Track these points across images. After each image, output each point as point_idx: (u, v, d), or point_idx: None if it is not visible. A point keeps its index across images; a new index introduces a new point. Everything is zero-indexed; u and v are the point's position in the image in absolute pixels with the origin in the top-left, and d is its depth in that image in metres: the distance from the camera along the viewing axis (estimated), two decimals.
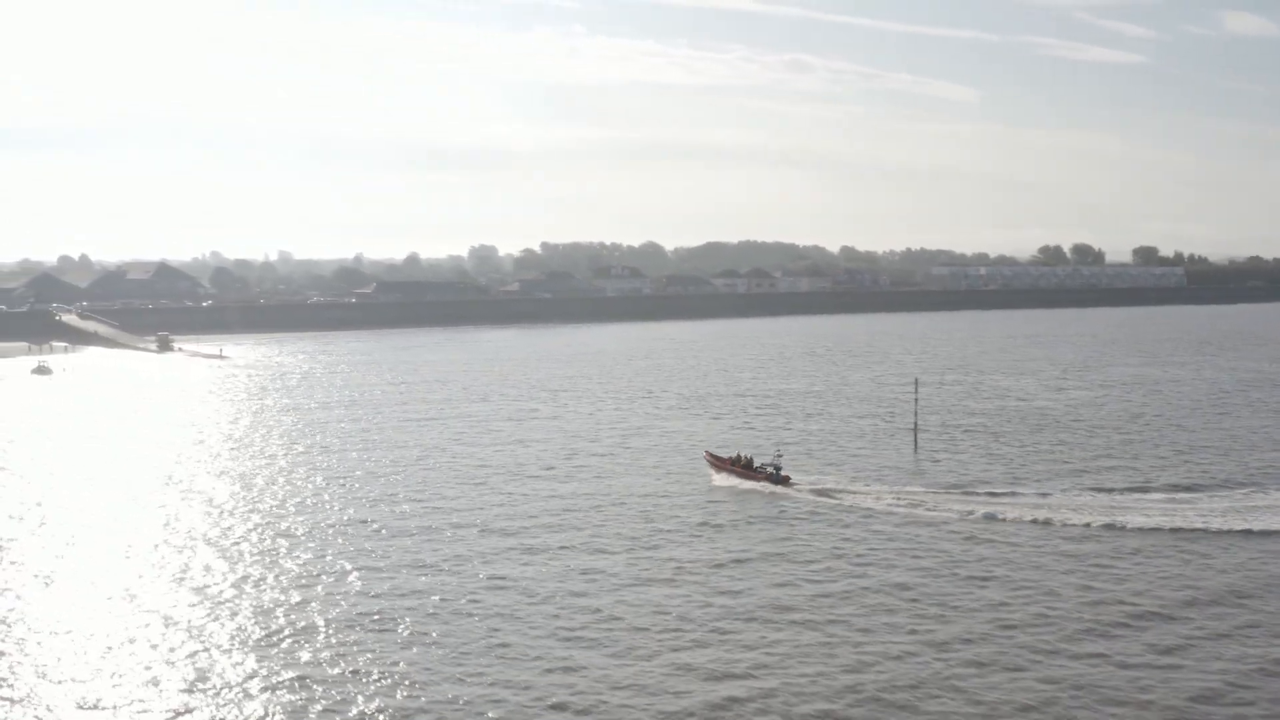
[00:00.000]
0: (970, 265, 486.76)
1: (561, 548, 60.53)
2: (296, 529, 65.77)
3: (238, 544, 62.14)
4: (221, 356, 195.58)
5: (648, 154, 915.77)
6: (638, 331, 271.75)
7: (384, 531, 64.88)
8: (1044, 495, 72.86)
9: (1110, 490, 74.85)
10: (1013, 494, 73.33)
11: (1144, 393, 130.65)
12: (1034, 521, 65.39)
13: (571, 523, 66.27)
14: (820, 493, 73.21)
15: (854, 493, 73.79)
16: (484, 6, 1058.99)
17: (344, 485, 79.08)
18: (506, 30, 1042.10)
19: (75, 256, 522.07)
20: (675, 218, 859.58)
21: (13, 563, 58.30)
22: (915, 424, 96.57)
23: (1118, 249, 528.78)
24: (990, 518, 66.30)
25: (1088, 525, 64.57)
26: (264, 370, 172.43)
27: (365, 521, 67.43)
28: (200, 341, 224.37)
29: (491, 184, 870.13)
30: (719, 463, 79.18)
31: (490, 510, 69.67)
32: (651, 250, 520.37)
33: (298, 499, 74.40)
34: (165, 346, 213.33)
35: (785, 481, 74.41)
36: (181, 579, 55.12)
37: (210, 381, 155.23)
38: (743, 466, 76.95)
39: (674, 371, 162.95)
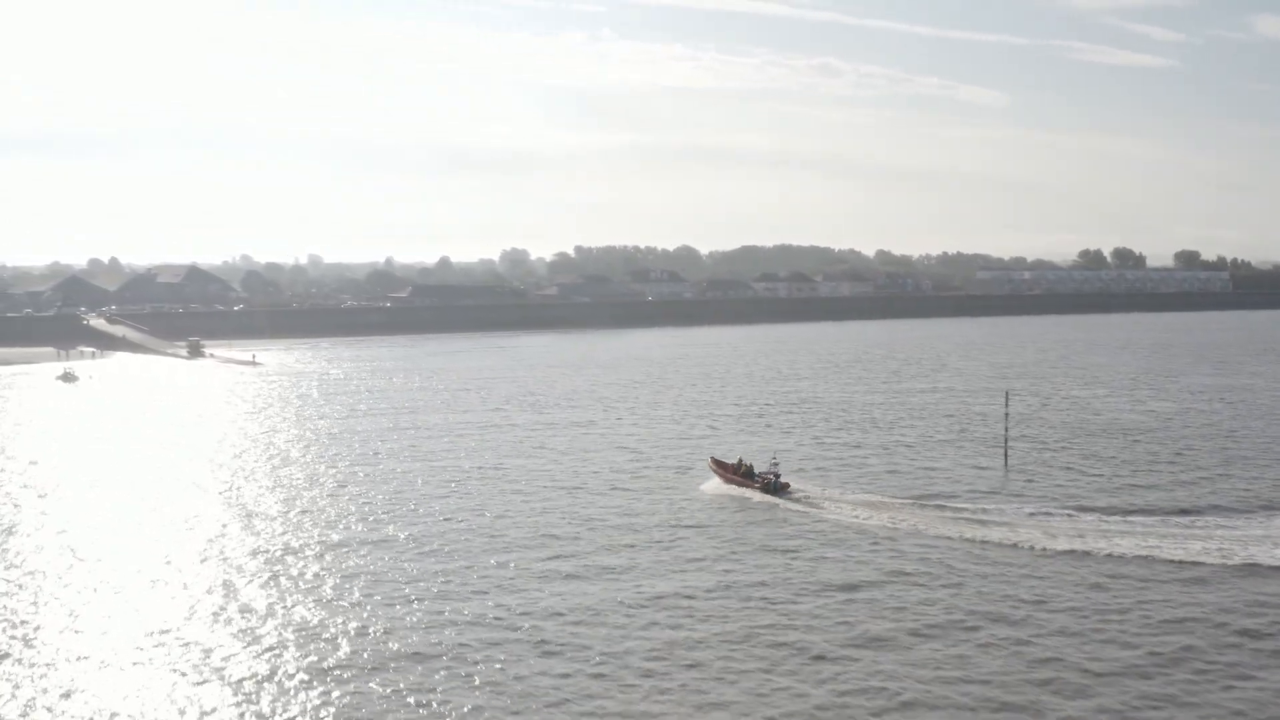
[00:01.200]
0: (1013, 270, 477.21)
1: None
2: (340, 545, 61.08)
3: (277, 562, 57.80)
4: (254, 362, 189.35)
5: (677, 158, 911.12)
6: (679, 336, 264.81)
7: (441, 550, 60.42)
8: (1154, 520, 66.03)
9: (1229, 511, 67.90)
10: (1125, 520, 66.18)
11: (1228, 404, 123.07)
12: (1141, 558, 58.14)
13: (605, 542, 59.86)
14: (811, 503, 71.05)
15: (873, 506, 69.89)
16: (513, 11, 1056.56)
17: (392, 501, 73.19)
18: (535, 34, 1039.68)
19: (105, 259, 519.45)
20: (706, 221, 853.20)
21: (39, 605, 52.01)
22: (1005, 438, 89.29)
23: (1156, 253, 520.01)
24: (1084, 549, 59.39)
25: (1224, 563, 56.99)
26: (299, 377, 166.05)
27: (420, 539, 62.80)
28: (231, 346, 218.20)
29: (521, 188, 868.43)
30: (722, 469, 77.98)
31: (525, 527, 63.52)
32: (686, 254, 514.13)
33: (340, 515, 68.70)
34: (196, 352, 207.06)
35: (785, 489, 72.77)
36: (218, 605, 51.53)
37: (243, 389, 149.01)
38: (743, 474, 75.48)
39: (727, 379, 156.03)
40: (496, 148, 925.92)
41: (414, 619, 49.33)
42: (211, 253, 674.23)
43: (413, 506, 72.18)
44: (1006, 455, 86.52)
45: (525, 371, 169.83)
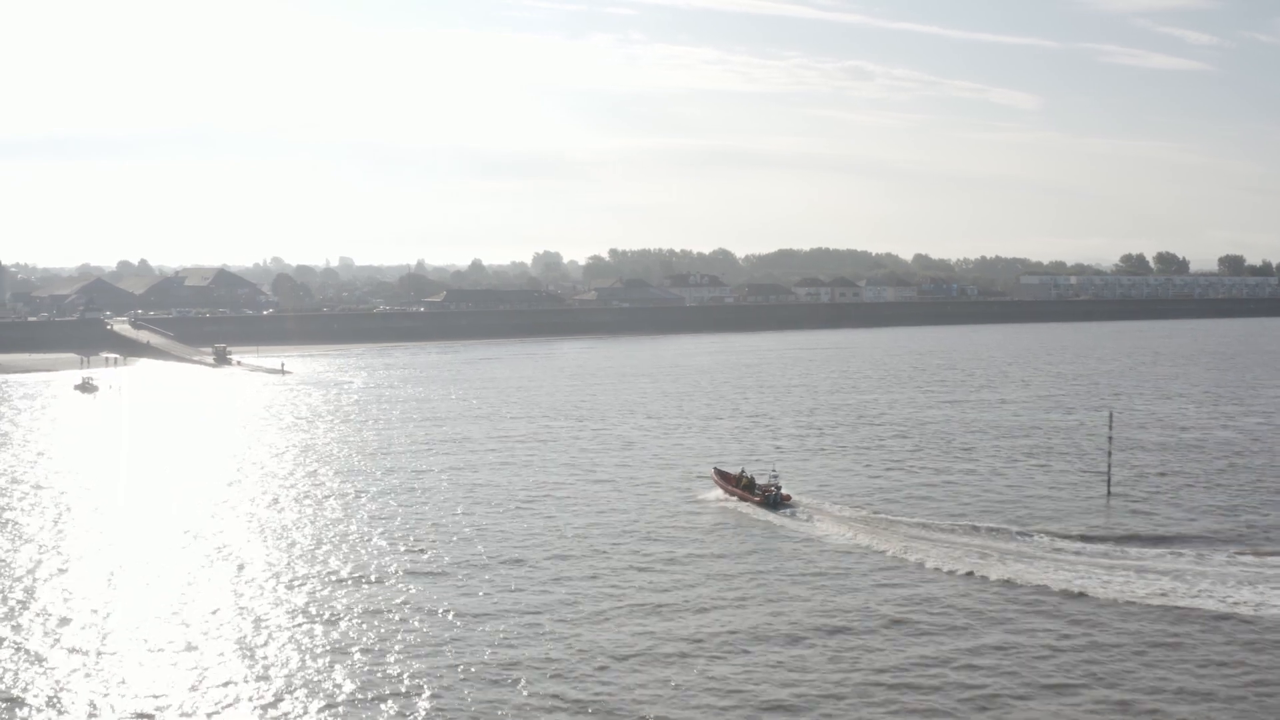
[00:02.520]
0: (1058, 275, 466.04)
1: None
2: (378, 575, 54.66)
3: (304, 598, 50.75)
4: (283, 371, 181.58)
5: (708, 161, 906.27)
6: (721, 343, 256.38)
7: (498, 582, 55.22)
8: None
9: None
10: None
11: None
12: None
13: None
14: (807, 520, 68.77)
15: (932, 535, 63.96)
16: (541, 14, 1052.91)
17: (434, 527, 66.06)
18: (566, 38, 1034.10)
19: (135, 262, 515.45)
20: (739, 225, 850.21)
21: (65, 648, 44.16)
22: (1109, 463, 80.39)
23: (1192, 257, 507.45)
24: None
25: None
26: (329, 387, 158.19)
27: (470, 566, 57.47)
28: (260, 353, 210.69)
29: (551, 191, 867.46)
30: (724, 480, 77.05)
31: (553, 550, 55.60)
32: (723, 257, 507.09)
33: (378, 541, 61.48)
34: (222, 359, 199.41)
35: (785, 501, 71.55)
36: (250, 639, 46.97)
37: (271, 400, 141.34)
38: (744, 487, 74.42)
39: (780, 390, 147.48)
40: (526, 150, 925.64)
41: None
42: (242, 255, 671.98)
43: (449, 530, 65.46)
44: (1109, 484, 77.66)
45: (568, 381, 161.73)
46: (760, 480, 74.72)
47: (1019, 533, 64.32)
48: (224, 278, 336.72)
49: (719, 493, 75.92)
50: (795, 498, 72.65)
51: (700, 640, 47.13)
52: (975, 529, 65.21)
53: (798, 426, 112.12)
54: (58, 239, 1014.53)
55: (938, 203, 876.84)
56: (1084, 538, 63.16)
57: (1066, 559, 58.59)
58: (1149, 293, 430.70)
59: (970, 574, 56.14)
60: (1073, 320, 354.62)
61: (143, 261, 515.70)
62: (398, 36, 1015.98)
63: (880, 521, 67.27)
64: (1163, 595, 52.12)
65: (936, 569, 57.10)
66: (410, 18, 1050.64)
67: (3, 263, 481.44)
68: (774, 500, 71.31)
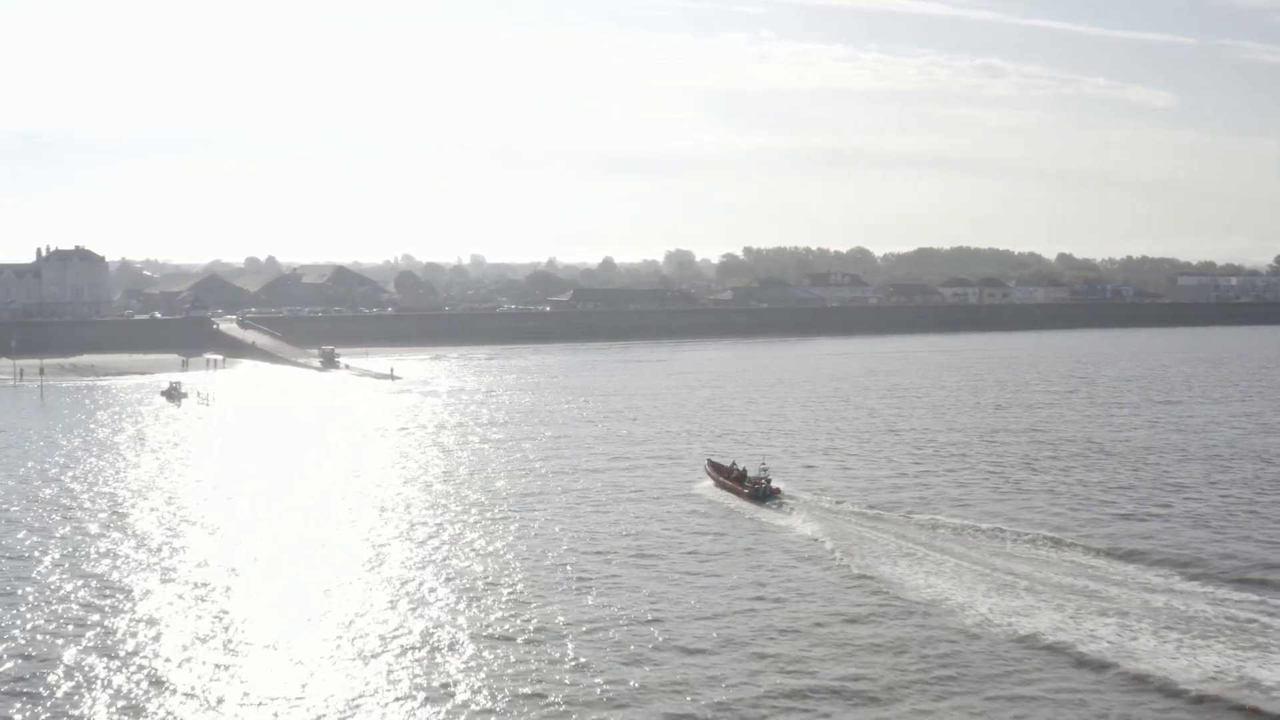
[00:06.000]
0: (1219, 276, 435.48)
1: None
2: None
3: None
4: (392, 376, 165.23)
5: (839, 159, 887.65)
6: (867, 347, 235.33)
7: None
8: None
9: None
10: None
11: None
12: None
13: None
14: (794, 512, 68.05)
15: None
16: (671, 13, 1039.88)
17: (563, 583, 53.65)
18: (696, 36, 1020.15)
19: (262, 258, 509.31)
20: (872, 223, 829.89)
21: None
22: None
23: None
24: None
25: None
26: (443, 395, 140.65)
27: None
28: (370, 355, 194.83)
29: (681, 190, 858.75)
30: (717, 472, 77.00)
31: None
32: (860, 256, 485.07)
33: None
34: (329, 362, 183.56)
35: (775, 494, 70.94)
36: None
37: (374, 409, 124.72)
38: (735, 479, 74.07)
39: (943, 405, 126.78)
40: (657, 150, 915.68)
41: None
42: (374, 252, 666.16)
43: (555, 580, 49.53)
44: None
45: (711, 392, 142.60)
46: (751, 473, 73.59)
47: None
48: (342, 275, 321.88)
49: (709, 484, 76.07)
50: (786, 490, 72.28)
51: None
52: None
53: (988, 458, 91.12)
54: (194, 236, 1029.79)
55: (1071, 202, 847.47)
56: None
57: None
58: None
59: None
60: (1236, 324, 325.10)
61: (270, 258, 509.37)
62: (531, 36, 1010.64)
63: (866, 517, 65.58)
64: None
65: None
66: (543, 17, 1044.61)
67: (128, 259, 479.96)
68: (763, 493, 70.67)
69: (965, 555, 56.38)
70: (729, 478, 74.61)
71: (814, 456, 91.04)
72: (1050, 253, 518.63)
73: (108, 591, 52.65)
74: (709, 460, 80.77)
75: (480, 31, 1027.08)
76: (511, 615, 48.42)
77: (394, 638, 46.20)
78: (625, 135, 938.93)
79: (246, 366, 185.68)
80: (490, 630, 47.02)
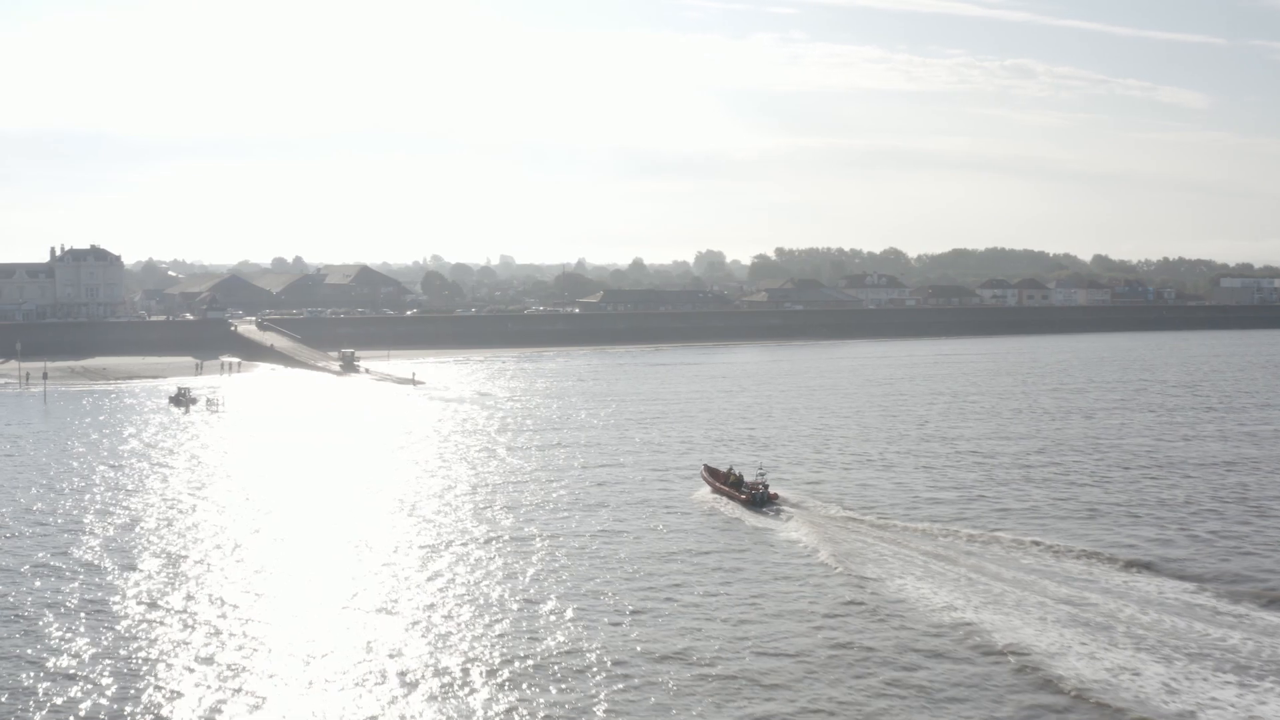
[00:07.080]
0: (1262, 279, 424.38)
1: None
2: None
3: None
4: (414, 381, 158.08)
5: (871, 160, 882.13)
6: (905, 350, 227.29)
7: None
8: None
9: None
10: None
11: None
12: None
13: None
14: (791, 517, 66.75)
15: None
16: (704, 14, 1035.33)
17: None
18: (727, 37, 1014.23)
19: (289, 259, 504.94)
20: (905, 224, 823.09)
21: None
22: None
23: None
24: None
25: None
26: (465, 403, 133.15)
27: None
28: (393, 358, 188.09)
29: (712, 191, 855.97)
30: (713, 477, 75.79)
31: None
32: (894, 257, 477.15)
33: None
34: (349, 366, 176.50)
35: (772, 500, 69.79)
36: None
37: (392, 418, 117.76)
38: (731, 484, 72.94)
39: (990, 412, 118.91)
40: (688, 150, 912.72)
41: None
42: (402, 253, 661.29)
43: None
44: None
45: (750, 399, 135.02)
46: (748, 478, 72.74)
47: None
48: (367, 275, 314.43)
49: (706, 490, 75.08)
50: (785, 496, 71.43)
51: None
52: None
53: (1044, 468, 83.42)
54: (224, 238, 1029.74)
55: (1105, 203, 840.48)
56: None
57: None
58: None
59: None
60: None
61: (298, 258, 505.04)
62: (562, 37, 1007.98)
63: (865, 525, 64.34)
64: None
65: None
66: (574, 19, 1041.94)
67: (155, 259, 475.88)
68: (760, 499, 69.61)
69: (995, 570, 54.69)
70: (724, 483, 73.46)
71: (851, 466, 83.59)
72: (1085, 254, 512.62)
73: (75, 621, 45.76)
74: (705, 465, 79.73)
75: (511, 33, 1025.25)
76: (495, 625, 47.71)
77: (401, 655, 44.33)
78: (656, 135, 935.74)
79: (263, 370, 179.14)
80: (478, 642, 45.59)
